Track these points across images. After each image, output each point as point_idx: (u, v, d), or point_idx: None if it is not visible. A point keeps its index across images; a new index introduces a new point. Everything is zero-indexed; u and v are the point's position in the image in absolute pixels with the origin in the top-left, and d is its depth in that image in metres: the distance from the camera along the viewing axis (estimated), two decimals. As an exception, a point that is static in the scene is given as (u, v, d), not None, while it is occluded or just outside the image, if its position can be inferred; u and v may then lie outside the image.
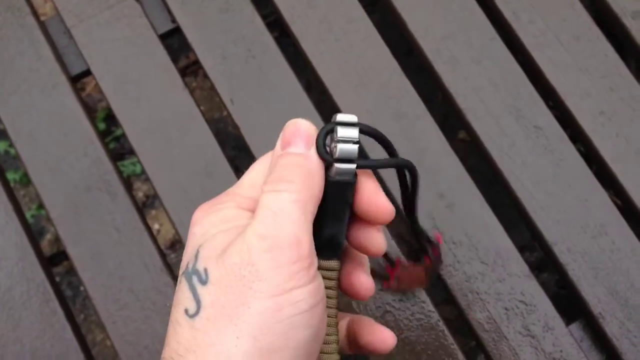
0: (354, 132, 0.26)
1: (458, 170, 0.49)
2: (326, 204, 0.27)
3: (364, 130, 0.27)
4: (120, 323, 0.47)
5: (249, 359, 0.25)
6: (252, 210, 0.27)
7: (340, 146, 0.26)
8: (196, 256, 0.26)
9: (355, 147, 0.26)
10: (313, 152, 0.26)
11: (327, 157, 0.26)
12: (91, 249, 0.49)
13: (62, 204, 0.49)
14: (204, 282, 0.26)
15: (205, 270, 0.26)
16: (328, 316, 0.28)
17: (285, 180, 0.26)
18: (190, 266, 0.26)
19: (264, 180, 0.27)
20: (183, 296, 0.26)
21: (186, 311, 0.26)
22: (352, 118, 0.26)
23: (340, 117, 0.26)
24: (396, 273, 0.45)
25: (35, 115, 0.51)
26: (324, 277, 0.27)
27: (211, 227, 0.27)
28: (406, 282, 0.45)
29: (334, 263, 0.28)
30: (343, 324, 0.31)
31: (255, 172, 0.29)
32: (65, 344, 0.46)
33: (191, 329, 0.25)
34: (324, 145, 0.26)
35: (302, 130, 0.27)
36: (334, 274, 0.28)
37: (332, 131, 0.27)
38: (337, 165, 0.26)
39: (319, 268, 0.27)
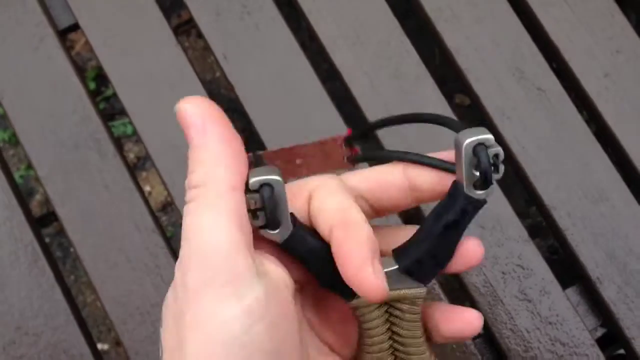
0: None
1: (457, 132, 0.48)
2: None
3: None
4: (110, 283, 0.46)
5: None
6: None
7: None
8: None
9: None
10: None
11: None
12: (80, 208, 0.47)
13: (50, 162, 0.48)
14: (161, 325, 0.23)
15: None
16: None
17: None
18: None
19: None
20: None
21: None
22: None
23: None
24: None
25: (22, 70, 0.49)
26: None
27: None
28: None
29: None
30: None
31: None
32: (54, 304, 0.46)
33: None
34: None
35: None
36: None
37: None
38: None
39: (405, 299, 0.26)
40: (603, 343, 0.47)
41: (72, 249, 0.95)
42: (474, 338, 0.46)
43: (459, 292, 0.47)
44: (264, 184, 0.24)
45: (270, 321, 0.22)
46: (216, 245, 0.22)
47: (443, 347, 0.45)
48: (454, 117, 0.48)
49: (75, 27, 0.51)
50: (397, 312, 0.26)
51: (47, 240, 0.91)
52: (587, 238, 0.46)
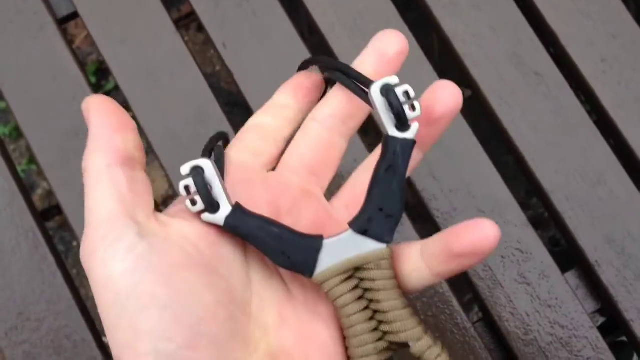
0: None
1: (457, 120, 0.48)
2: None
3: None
4: (111, 270, 0.46)
5: None
6: None
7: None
8: None
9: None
10: None
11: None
12: (82, 195, 0.47)
13: (51, 150, 0.48)
14: None
15: None
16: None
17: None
18: None
19: None
20: None
21: None
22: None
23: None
24: None
25: (23, 58, 0.49)
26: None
27: None
28: None
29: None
30: (411, 253, 0.26)
31: None
32: (56, 290, 0.46)
33: None
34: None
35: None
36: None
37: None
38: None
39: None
40: (605, 330, 0.47)
41: (74, 243, 0.95)
42: (474, 322, 0.46)
43: (458, 275, 0.47)
44: (194, 168, 0.25)
45: (159, 273, 0.23)
46: (97, 219, 0.25)
47: (443, 330, 0.45)
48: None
49: (74, 15, 0.51)
50: (368, 283, 0.25)
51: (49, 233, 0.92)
52: (586, 221, 0.46)
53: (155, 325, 0.23)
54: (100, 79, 0.96)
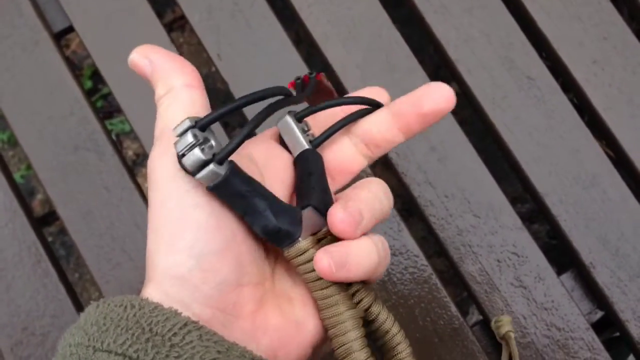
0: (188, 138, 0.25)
1: (450, 123, 0.49)
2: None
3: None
4: (113, 283, 0.47)
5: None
6: None
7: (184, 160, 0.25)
8: None
9: (196, 152, 0.24)
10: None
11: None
12: (82, 209, 0.48)
13: (50, 164, 0.49)
14: None
15: None
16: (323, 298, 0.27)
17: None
18: None
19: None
20: None
21: None
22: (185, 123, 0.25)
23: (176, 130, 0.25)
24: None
25: (19, 74, 0.50)
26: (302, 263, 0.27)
27: None
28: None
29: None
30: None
31: None
32: (59, 304, 0.46)
33: None
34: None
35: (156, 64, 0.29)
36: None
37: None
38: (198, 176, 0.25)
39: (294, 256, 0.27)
40: (600, 327, 0.48)
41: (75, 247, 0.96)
42: (472, 325, 0.47)
43: (456, 281, 0.48)
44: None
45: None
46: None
47: (442, 335, 0.45)
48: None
49: (69, 29, 0.51)
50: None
51: (49, 239, 0.92)
52: (580, 224, 0.47)
53: (203, 221, 0.25)
54: (96, 82, 0.96)
